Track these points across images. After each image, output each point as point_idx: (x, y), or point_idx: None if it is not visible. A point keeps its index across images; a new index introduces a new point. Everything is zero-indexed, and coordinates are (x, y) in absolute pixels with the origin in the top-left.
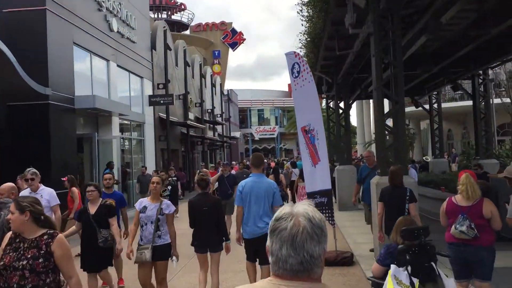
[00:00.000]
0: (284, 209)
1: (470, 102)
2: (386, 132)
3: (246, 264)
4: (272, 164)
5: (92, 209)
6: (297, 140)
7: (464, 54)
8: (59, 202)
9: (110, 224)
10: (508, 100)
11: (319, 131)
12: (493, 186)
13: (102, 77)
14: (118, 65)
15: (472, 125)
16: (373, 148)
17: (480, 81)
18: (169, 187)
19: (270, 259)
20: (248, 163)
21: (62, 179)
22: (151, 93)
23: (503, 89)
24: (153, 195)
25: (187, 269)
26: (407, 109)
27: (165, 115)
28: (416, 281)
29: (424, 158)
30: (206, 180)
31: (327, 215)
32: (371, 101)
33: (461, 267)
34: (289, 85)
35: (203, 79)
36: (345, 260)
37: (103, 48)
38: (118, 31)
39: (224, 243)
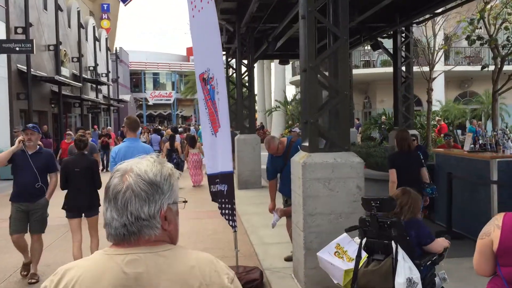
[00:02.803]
0: (122, 164)
1: (373, 70)
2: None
3: None
4: (169, 132)
5: None
6: (195, 107)
7: (389, 4)
8: None
9: None
10: (425, 68)
11: (219, 82)
12: (439, 167)
13: None
14: None
15: (375, 94)
16: (276, 117)
17: (403, 39)
18: None
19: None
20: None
21: None
22: (4, 38)
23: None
24: None
25: None
26: None
27: (26, 67)
28: (364, 255)
29: None
30: (84, 140)
31: (226, 212)
32: (272, 65)
33: None
34: (187, 48)
35: (82, 29)
36: (252, 286)
37: None
38: None
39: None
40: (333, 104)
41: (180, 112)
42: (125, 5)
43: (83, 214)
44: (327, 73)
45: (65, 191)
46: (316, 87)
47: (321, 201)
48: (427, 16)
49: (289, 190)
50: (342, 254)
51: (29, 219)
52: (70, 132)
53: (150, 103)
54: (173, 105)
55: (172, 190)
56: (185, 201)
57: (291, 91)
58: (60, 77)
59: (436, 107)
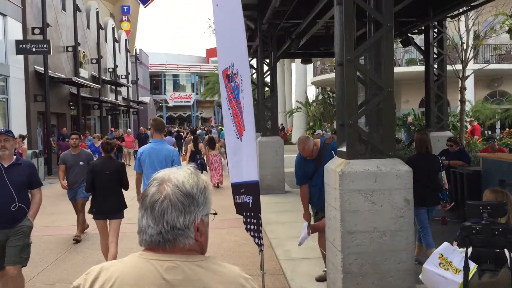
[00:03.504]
0: (159, 173)
1: (398, 69)
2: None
3: None
4: (185, 134)
5: None
6: (215, 108)
7: None
8: None
9: None
10: (458, 66)
11: (244, 78)
12: (488, 174)
13: None
14: None
15: (399, 94)
16: (297, 119)
17: (435, 35)
18: None
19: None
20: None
21: None
22: (20, 38)
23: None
24: None
25: None
26: (332, 76)
27: (43, 69)
28: (473, 266)
29: None
30: (111, 143)
31: (251, 228)
32: (293, 65)
33: None
34: (207, 50)
35: (101, 30)
36: None
37: None
38: None
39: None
40: (376, 103)
41: (200, 113)
42: (145, 7)
43: (107, 217)
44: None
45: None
46: (355, 83)
47: (362, 216)
48: (462, 9)
49: (320, 201)
50: (447, 265)
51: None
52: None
53: (170, 105)
54: (192, 107)
55: (206, 203)
56: (215, 213)
57: (312, 92)
58: (78, 79)
59: (466, 107)
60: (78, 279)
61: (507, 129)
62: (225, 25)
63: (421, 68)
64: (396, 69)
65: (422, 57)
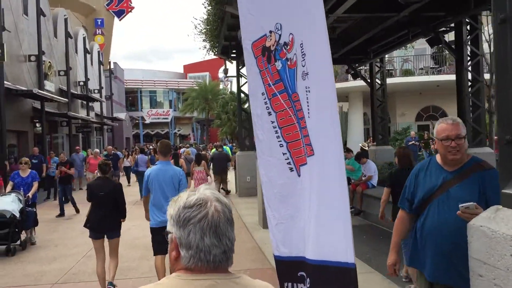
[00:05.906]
0: (191, 195)
1: (393, 80)
2: None
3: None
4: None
5: None
6: (193, 125)
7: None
8: None
9: None
10: None
11: (310, 49)
12: None
13: None
14: None
15: (394, 107)
16: None
17: (468, 32)
18: None
19: (184, 252)
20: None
21: None
22: None
23: None
24: None
25: None
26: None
27: None
28: None
29: (360, 145)
30: (108, 164)
31: None
32: None
33: None
34: (184, 66)
35: (70, 40)
36: None
37: None
38: None
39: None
40: None
41: (178, 130)
42: (120, 20)
43: (105, 235)
44: None
45: None
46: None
47: None
48: None
49: (444, 267)
50: None
51: None
52: None
53: (147, 122)
54: (170, 124)
55: None
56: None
57: None
58: (40, 91)
59: None
60: None
61: None
62: None
63: (418, 79)
64: (390, 80)
65: (421, 67)
